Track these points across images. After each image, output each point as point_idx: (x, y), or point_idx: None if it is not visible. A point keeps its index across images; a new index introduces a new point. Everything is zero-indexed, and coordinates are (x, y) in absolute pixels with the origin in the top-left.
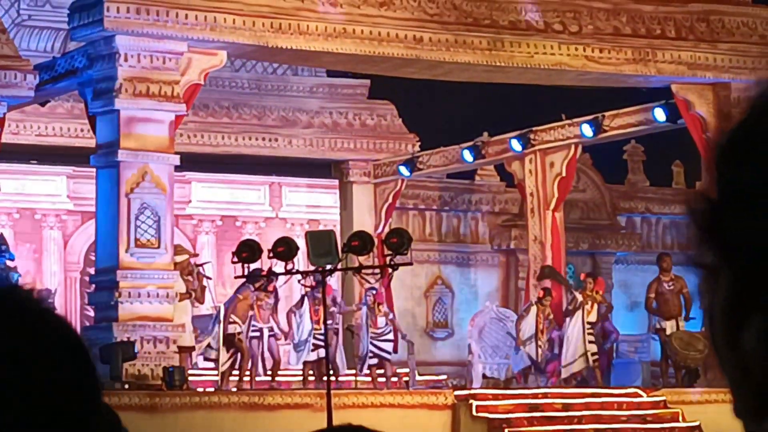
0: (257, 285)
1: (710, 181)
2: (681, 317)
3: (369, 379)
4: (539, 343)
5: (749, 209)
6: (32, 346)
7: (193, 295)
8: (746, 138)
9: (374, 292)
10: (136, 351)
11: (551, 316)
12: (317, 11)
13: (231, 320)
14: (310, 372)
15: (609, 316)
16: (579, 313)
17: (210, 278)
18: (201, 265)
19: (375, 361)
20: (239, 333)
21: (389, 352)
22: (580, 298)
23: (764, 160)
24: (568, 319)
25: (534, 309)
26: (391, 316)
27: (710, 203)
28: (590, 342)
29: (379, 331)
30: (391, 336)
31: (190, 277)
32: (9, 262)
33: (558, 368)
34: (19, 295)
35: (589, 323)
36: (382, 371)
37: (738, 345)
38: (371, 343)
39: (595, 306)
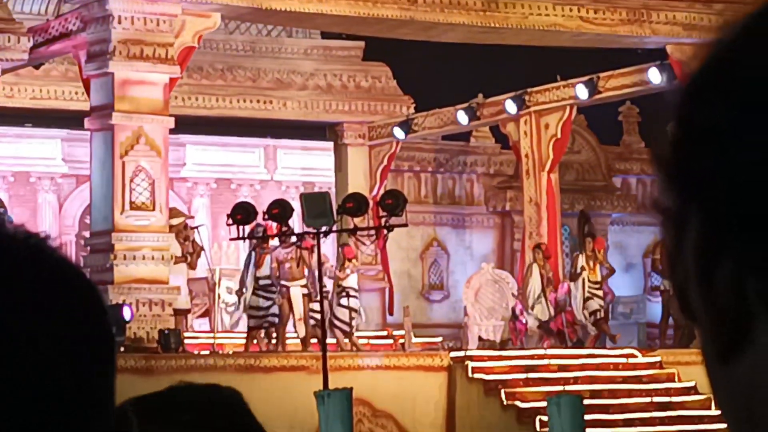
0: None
1: (676, 125)
2: None
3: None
4: (548, 299)
5: (716, 148)
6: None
7: (189, 258)
8: (711, 77)
9: (345, 246)
10: (124, 317)
11: (551, 274)
12: None
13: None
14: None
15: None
16: (583, 274)
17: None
18: (196, 227)
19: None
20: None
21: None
22: (581, 259)
23: (729, 97)
24: (573, 283)
25: (535, 267)
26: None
27: (676, 146)
28: (597, 297)
29: (346, 285)
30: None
31: (186, 242)
32: (8, 224)
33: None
34: (43, 245)
35: (594, 282)
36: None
37: (709, 286)
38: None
39: (598, 266)
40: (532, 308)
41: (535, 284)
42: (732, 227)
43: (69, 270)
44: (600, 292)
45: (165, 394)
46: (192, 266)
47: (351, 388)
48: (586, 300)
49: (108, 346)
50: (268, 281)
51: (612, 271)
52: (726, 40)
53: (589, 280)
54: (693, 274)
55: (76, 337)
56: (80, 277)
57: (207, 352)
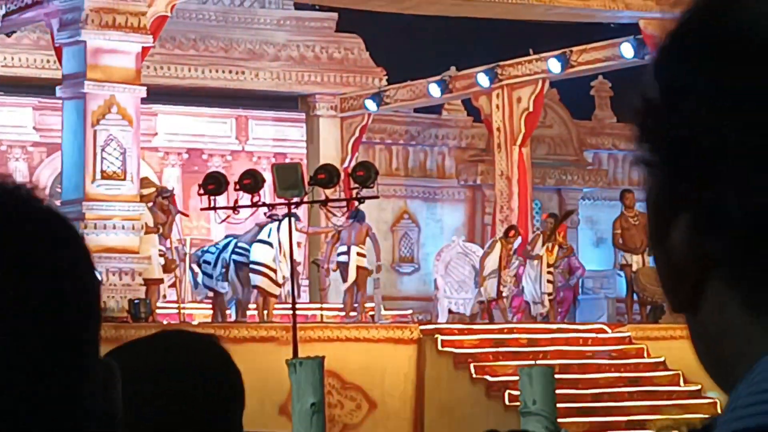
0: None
1: (649, 82)
2: (646, 252)
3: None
4: (501, 279)
5: (679, 105)
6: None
7: (161, 229)
8: (680, 38)
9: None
10: None
11: (514, 253)
12: None
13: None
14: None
15: (574, 252)
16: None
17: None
18: (168, 196)
19: None
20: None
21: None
22: (540, 240)
23: (693, 57)
24: (529, 264)
25: (498, 245)
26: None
27: (647, 101)
28: (548, 281)
29: None
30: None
31: (160, 212)
32: None
33: (522, 304)
34: (32, 199)
35: (549, 265)
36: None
37: (668, 240)
38: None
39: (556, 247)
40: (482, 283)
41: (492, 260)
42: (690, 182)
43: (57, 220)
44: (551, 277)
45: (146, 341)
46: (165, 235)
47: (323, 357)
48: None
49: (95, 296)
50: None
51: (570, 251)
52: (697, 4)
53: (546, 263)
54: (653, 227)
55: (64, 286)
56: (69, 228)
57: (176, 322)
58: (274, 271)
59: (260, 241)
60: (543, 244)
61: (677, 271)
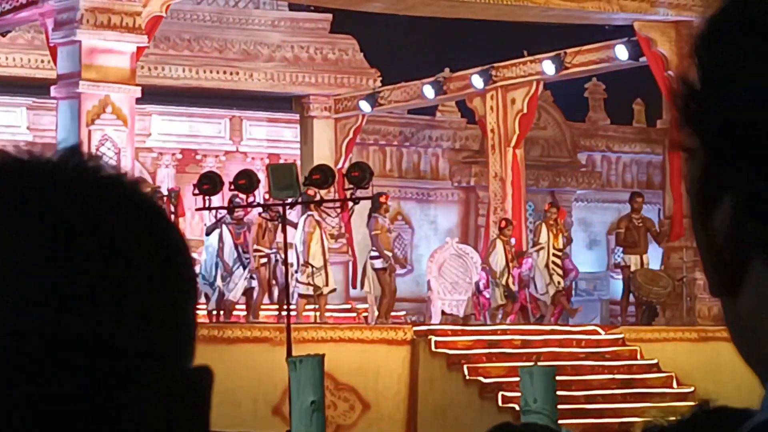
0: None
1: (692, 67)
2: (646, 255)
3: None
4: (512, 274)
5: (721, 89)
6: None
7: None
8: (719, 22)
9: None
10: None
11: (514, 251)
12: None
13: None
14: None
15: (568, 253)
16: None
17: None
18: (162, 198)
19: None
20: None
21: None
22: (543, 228)
23: (733, 42)
24: (535, 254)
25: (499, 243)
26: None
27: (688, 86)
28: (557, 270)
29: None
30: None
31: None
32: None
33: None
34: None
35: (557, 250)
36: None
37: (709, 225)
38: None
39: (560, 235)
40: (500, 279)
41: (498, 258)
42: (734, 165)
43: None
44: (560, 262)
45: None
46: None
47: (323, 355)
48: (550, 274)
49: (194, 286)
50: None
51: (570, 240)
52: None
53: (553, 247)
54: (694, 210)
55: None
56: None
57: None
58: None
59: None
60: (548, 232)
61: (718, 254)
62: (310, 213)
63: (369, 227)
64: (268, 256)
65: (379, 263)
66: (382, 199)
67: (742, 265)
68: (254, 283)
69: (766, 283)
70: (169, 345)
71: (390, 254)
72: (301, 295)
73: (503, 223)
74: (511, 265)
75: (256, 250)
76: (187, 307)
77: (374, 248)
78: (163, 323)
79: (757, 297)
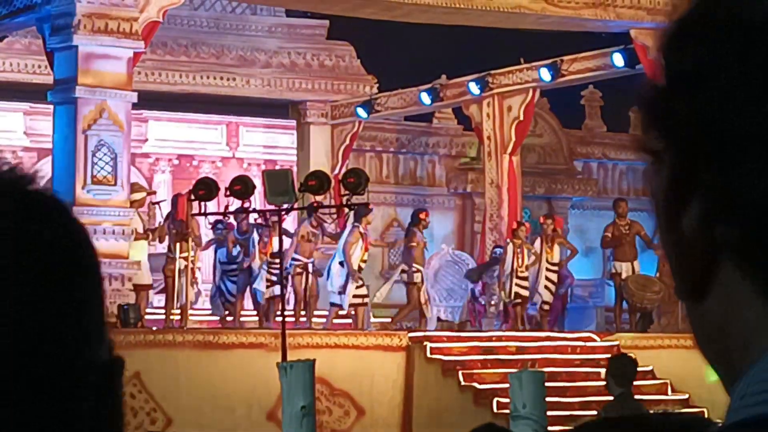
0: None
1: (658, 68)
2: (636, 261)
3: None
4: (520, 275)
5: (690, 89)
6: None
7: (150, 235)
8: (686, 25)
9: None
10: None
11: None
12: None
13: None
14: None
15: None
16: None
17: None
18: (158, 203)
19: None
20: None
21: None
22: (538, 241)
23: (700, 43)
24: (532, 268)
25: (510, 246)
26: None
27: (656, 88)
28: (545, 287)
29: None
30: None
31: (151, 217)
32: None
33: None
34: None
35: (551, 264)
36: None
37: (678, 227)
38: None
39: (556, 246)
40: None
41: (508, 263)
42: (703, 167)
43: (60, 207)
44: (554, 276)
45: None
46: (161, 240)
47: (314, 360)
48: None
49: (96, 275)
50: None
51: (575, 251)
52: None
53: (546, 261)
54: (663, 213)
55: (68, 267)
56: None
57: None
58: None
59: None
60: (542, 244)
61: (686, 258)
62: (355, 224)
63: (406, 240)
64: (305, 265)
65: (416, 277)
66: (422, 216)
67: (711, 267)
68: (276, 291)
69: (735, 286)
70: (80, 334)
71: (421, 268)
72: (351, 305)
73: (514, 225)
74: (519, 270)
75: (294, 259)
76: (94, 296)
77: (409, 261)
78: (74, 314)
79: (726, 300)
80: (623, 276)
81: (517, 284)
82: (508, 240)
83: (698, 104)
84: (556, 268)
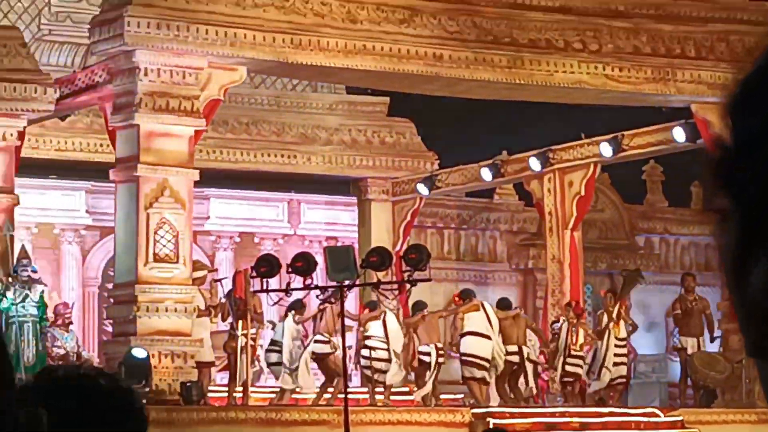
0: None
1: (725, 131)
2: (702, 337)
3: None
4: (573, 353)
5: (756, 150)
6: None
7: (212, 312)
8: (753, 86)
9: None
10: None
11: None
12: (337, 27)
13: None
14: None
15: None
16: (607, 332)
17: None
18: (219, 280)
19: None
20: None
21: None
22: (605, 317)
23: (761, 110)
24: (599, 341)
25: (565, 324)
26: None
27: (723, 150)
28: (617, 364)
29: None
30: None
31: (213, 295)
32: (33, 274)
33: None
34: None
35: (619, 339)
36: None
37: (746, 285)
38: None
39: (621, 322)
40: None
41: (561, 341)
42: (767, 227)
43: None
44: (623, 351)
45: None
46: (224, 317)
47: None
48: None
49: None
50: None
51: (635, 327)
52: (763, 60)
53: (615, 337)
54: (730, 271)
55: None
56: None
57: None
58: None
59: None
60: (608, 320)
61: (754, 315)
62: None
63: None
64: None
65: None
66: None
67: None
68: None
69: None
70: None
71: None
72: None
73: (567, 306)
74: (572, 348)
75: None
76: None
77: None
78: None
79: None
80: (689, 351)
81: (569, 362)
82: (563, 318)
83: (764, 165)
84: (624, 343)
